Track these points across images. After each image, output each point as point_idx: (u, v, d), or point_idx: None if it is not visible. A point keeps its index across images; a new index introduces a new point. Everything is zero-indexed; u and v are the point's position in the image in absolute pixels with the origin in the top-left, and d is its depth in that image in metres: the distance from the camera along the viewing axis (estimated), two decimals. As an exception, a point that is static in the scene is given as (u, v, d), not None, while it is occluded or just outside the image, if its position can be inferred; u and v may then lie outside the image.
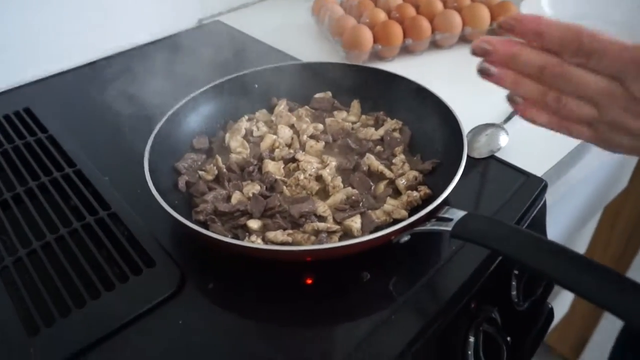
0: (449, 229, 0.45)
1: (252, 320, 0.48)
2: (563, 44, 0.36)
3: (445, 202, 0.49)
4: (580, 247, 1.24)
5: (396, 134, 0.65)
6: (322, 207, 0.54)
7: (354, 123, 0.69)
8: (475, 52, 0.40)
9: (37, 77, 0.87)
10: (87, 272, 0.50)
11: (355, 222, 0.53)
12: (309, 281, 0.50)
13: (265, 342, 0.45)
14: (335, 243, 0.47)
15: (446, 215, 0.47)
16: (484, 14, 0.88)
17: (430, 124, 0.63)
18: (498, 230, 0.43)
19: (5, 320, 0.47)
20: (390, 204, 0.55)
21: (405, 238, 0.49)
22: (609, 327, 1.40)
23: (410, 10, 0.89)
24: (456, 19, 0.87)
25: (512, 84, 0.40)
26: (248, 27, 0.99)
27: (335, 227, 0.52)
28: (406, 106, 0.67)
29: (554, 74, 0.38)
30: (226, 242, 0.47)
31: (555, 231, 0.81)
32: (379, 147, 0.64)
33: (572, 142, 0.66)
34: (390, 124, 0.66)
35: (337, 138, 0.65)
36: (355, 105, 0.71)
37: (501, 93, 0.43)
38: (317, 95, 0.72)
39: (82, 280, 0.49)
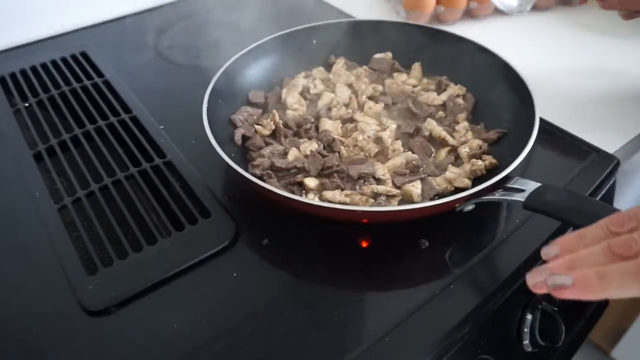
0: (522, 199, 0.43)
1: (306, 279, 0.47)
2: None
3: (513, 173, 0.46)
4: None
5: (459, 100, 0.62)
6: (382, 170, 0.53)
7: (414, 86, 0.66)
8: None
9: (94, 22, 0.86)
10: (143, 218, 0.50)
11: (416, 188, 0.51)
12: (365, 244, 0.49)
13: (319, 301, 0.45)
14: (398, 207, 0.46)
15: (516, 186, 0.45)
16: (558, -22, 0.83)
17: (496, 91, 0.60)
18: (577, 203, 0.41)
19: (64, 257, 0.47)
20: (452, 171, 0.53)
21: (470, 207, 0.47)
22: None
23: (478, -28, 0.84)
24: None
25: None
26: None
27: (395, 191, 0.51)
28: (471, 71, 0.64)
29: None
30: (284, 197, 0.46)
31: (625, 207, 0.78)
32: (440, 113, 0.61)
33: (646, 121, 0.62)
34: (454, 89, 0.63)
35: (396, 101, 0.63)
36: (417, 67, 0.68)
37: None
38: (377, 56, 0.69)
39: (138, 225, 0.50)
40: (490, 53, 0.61)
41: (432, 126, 0.58)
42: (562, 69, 0.72)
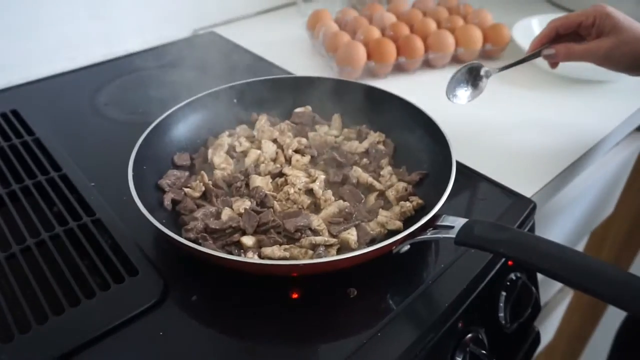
0: (453, 235, 0.45)
1: (235, 336, 0.47)
2: None
3: (440, 212, 0.49)
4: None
5: (380, 146, 0.65)
6: (317, 221, 0.54)
7: (336, 137, 0.69)
8: None
9: (27, 80, 0.86)
10: (67, 279, 0.49)
11: (352, 235, 0.52)
12: (295, 296, 0.49)
13: (249, 358, 0.44)
14: (342, 255, 0.46)
15: (446, 224, 0.47)
16: (477, 35, 0.89)
17: (413, 135, 0.64)
18: (504, 235, 0.43)
19: (-22, 325, 0.45)
20: (383, 215, 0.55)
21: (406, 248, 0.49)
22: (595, 353, 1.40)
23: (405, 29, 0.90)
24: (449, 39, 0.88)
25: None
26: (242, 40, 1.00)
27: (332, 240, 0.52)
28: (388, 119, 0.67)
29: None
30: (221, 258, 0.45)
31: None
32: (364, 160, 0.64)
33: (561, 165, 0.67)
34: (374, 136, 0.66)
35: (322, 152, 0.65)
36: (337, 119, 0.71)
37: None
38: (297, 110, 0.72)
39: (61, 286, 0.48)
40: (404, 101, 0.65)
41: (358, 173, 0.60)
42: (483, 119, 0.77)
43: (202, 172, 0.61)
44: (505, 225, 0.45)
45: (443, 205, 0.49)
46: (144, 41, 0.98)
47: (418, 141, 0.63)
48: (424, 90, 0.83)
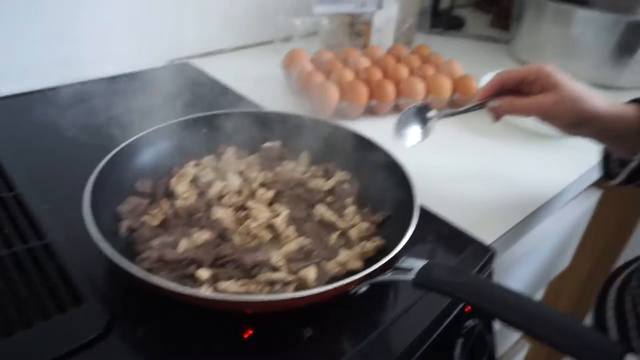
0: (411, 277, 0.45)
1: (182, 373, 0.45)
2: None
3: (401, 253, 0.48)
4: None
5: (346, 186, 0.65)
6: (277, 257, 0.53)
7: (303, 173, 0.69)
8: None
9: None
10: (3, 306, 0.46)
11: (311, 273, 0.51)
12: (246, 335, 0.48)
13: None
14: (298, 293, 0.45)
15: (405, 265, 0.47)
16: (446, 84, 0.92)
17: (378, 177, 0.64)
18: (461, 279, 0.43)
19: None
20: (344, 254, 0.55)
21: (364, 288, 0.48)
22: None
23: (377, 74, 0.92)
24: (420, 86, 0.90)
25: None
26: (218, 73, 1.00)
27: (290, 277, 0.51)
28: (355, 159, 0.68)
29: None
30: (174, 291, 0.43)
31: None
32: (329, 198, 0.64)
33: (519, 215, 0.68)
34: (340, 175, 0.67)
35: (286, 188, 0.64)
36: (305, 156, 0.71)
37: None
38: (266, 145, 0.72)
39: (-3, 314, 0.45)
40: (370, 142, 0.66)
41: (322, 211, 0.60)
42: (447, 164, 0.78)
43: (163, 200, 0.59)
44: (463, 270, 0.45)
45: (404, 247, 0.49)
46: (117, 67, 0.97)
47: (383, 182, 0.63)
48: (390, 133, 0.85)
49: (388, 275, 0.47)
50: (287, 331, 0.48)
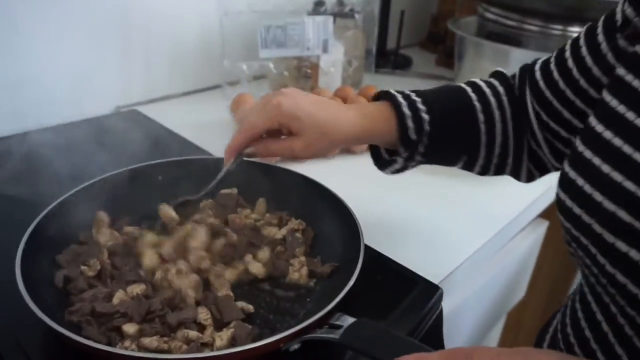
0: (337, 337, 0.43)
1: None
2: None
3: (338, 308, 0.47)
4: (488, 354, 1.25)
5: (298, 235, 0.64)
6: (205, 315, 0.51)
7: (257, 221, 0.68)
8: None
9: None
10: None
11: (224, 335, 0.49)
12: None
13: None
14: (224, 351, 0.44)
15: (337, 322, 0.46)
16: (392, 124, 0.94)
17: (332, 225, 0.63)
18: (388, 341, 0.42)
19: None
20: None
21: (296, 346, 0.46)
22: None
23: (324, 116, 0.93)
24: (366, 127, 0.92)
25: None
26: (165, 119, 0.99)
27: (208, 338, 0.48)
28: (310, 206, 0.67)
29: None
30: (98, 349, 0.42)
31: (456, 338, 0.82)
32: (279, 247, 0.62)
33: (468, 249, 0.69)
34: (294, 223, 0.66)
35: (240, 234, 0.63)
36: (261, 203, 0.70)
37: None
38: (223, 191, 0.71)
39: None
40: (324, 188, 0.66)
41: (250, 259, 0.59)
42: (396, 203, 0.79)
43: (104, 249, 0.57)
44: (393, 332, 0.44)
45: (344, 297, 0.48)
46: (59, 115, 0.95)
47: (336, 231, 0.63)
48: (342, 174, 0.85)
49: (317, 333, 0.45)
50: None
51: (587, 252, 0.43)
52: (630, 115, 0.40)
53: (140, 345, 0.47)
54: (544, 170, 0.63)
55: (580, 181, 0.43)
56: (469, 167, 0.61)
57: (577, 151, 0.45)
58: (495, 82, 0.61)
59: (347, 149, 0.93)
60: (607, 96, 0.44)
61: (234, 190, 0.71)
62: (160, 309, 0.49)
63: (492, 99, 0.59)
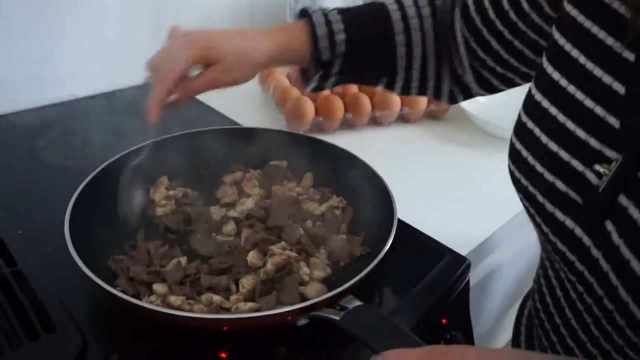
0: (337, 318, 0.44)
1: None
2: None
3: (354, 287, 0.47)
4: (508, 330, 1.26)
5: (337, 212, 0.64)
6: (246, 280, 0.52)
7: (299, 195, 0.68)
8: None
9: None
10: (-25, 335, 0.45)
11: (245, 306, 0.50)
12: (224, 355, 0.47)
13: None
14: (222, 315, 0.46)
15: (345, 304, 0.46)
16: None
17: (371, 207, 0.63)
18: (385, 331, 0.42)
19: None
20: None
21: (304, 321, 0.46)
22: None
23: (352, 87, 0.93)
24: (395, 98, 0.91)
25: None
26: (195, 90, 1.00)
27: (230, 304, 0.50)
28: (351, 185, 0.66)
29: None
30: (120, 298, 0.44)
31: (482, 311, 0.82)
32: (318, 223, 0.62)
33: (496, 223, 0.69)
34: (335, 200, 0.66)
35: (280, 207, 0.63)
36: (308, 177, 0.70)
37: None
38: (272, 163, 0.72)
39: (-33, 344, 0.45)
40: (372, 172, 0.64)
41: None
42: (425, 176, 0.79)
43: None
44: (394, 323, 0.43)
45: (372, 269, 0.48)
46: (93, 87, 0.97)
47: (372, 210, 0.62)
48: (369, 146, 0.86)
49: (323, 312, 0.45)
50: (263, 350, 0.48)
51: (536, 223, 0.43)
52: (563, 82, 0.40)
53: (165, 302, 0.49)
54: (468, 95, 0.62)
55: (524, 152, 0.43)
56: (389, 87, 0.61)
57: (520, 121, 0.45)
58: (423, 2, 0.58)
59: (374, 121, 0.93)
60: (545, 62, 0.43)
61: (284, 163, 0.72)
62: (195, 273, 0.51)
63: (415, 21, 0.57)
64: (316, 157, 0.71)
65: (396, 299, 0.56)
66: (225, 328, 0.47)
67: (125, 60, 1.01)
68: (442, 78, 0.59)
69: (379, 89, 0.93)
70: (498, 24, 0.53)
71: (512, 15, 0.51)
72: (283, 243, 0.56)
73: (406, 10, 0.57)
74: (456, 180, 0.79)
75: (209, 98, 0.96)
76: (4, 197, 0.64)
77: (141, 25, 1.00)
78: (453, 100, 0.62)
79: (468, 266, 0.60)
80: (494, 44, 0.54)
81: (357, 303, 0.45)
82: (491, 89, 0.59)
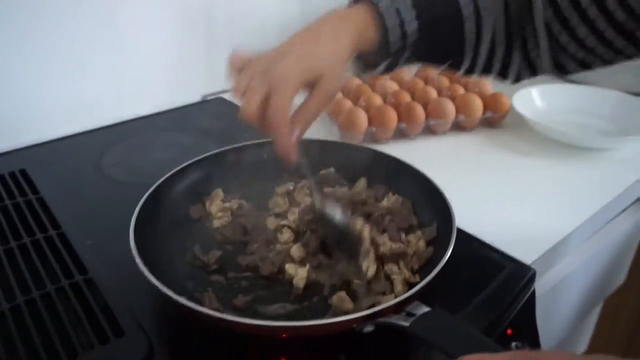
0: (407, 324, 0.43)
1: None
2: None
3: (419, 295, 0.46)
4: (583, 341, 1.19)
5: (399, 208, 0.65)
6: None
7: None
8: None
9: (38, 141, 0.89)
10: (51, 338, 0.48)
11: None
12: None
13: None
14: (286, 322, 0.46)
15: (412, 310, 0.45)
16: (477, 103, 0.91)
17: (429, 216, 0.63)
18: (459, 335, 0.41)
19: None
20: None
21: (370, 328, 0.45)
22: None
23: (406, 96, 0.92)
24: (449, 106, 0.90)
25: None
26: (249, 105, 1.03)
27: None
28: (408, 195, 0.66)
29: None
30: (182, 305, 0.45)
31: (551, 322, 0.78)
32: (387, 218, 0.62)
33: (562, 231, 0.66)
34: (393, 198, 0.66)
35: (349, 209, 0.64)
36: (362, 181, 0.71)
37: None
38: (322, 172, 0.72)
39: (45, 346, 0.47)
40: (415, 170, 0.65)
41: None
42: (483, 185, 0.77)
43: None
44: (468, 326, 0.43)
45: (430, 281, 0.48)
46: (154, 106, 1.02)
47: (429, 215, 0.62)
48: (424, 155, 0.84)
49: (392, 319, 0.45)
50: (323, 358, 0.48)
51: None
52: None
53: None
54: (534, 75, 0.59)
55: None
56: (453, 68, 0.59)
57: None
58: None
59: (429, 130, 0.92)
60: None
61: (331, 169, 0.72)
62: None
63: (484, 3, 0.54)
64: (369, 167, 0.71)
65: (458, 310, 0.54)
66: (284, 335, 0.48)
67: (183, 77, 1.06)
68: (511, 60, 0.57)
69: (433, 95, 0.93)
70: (592, 11, 0.49)
71: (609, 3, 0.48)
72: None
73: None
74: (517, 189, 0.76)
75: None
76: (75, 211, 0.68)
77: (196, 45, 1.05)
78: (517, 80, 0.60)
79: (533, 275, 0.58)
80: (581, 31, 0.51)
81: (426, 309, 0.44)
82: (564, 72, 0.57)
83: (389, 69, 0.58)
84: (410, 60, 0.58)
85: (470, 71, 0.59)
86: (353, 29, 0.52)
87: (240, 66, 0.51)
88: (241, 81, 0.49)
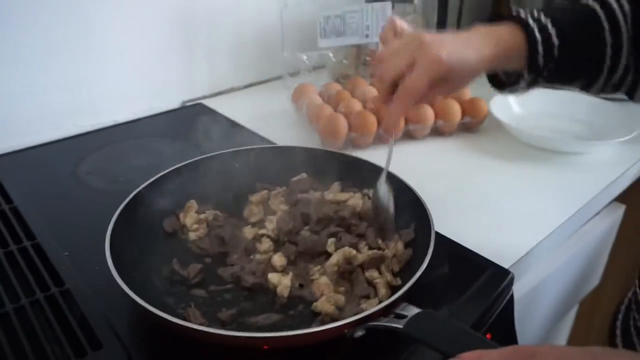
0: (401, 326, 0.43)
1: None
2: None
3: (404, 297, 0.47)
4: (559, 344, 1.21)
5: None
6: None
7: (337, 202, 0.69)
8: None
9: (11, 149, 0.87)
10: (26, 353, 0.47)
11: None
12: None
13: None
14: (281, 333, 0.46)
15: (402, 312, 0.45)
16: (455, 108, 0.92)
17: (407, 220, 0.63)
18: (452, 333, 0.42)
19: None
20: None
21: (360, 333, 0.46)
22: None
23: (385, 102, 0.93)
24: (428, 112, 0.91)
25: None
26: (229, 111, 1.02)
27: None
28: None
29: None
30: (158, 316, 0.44)
31: (528, 326, 0.80)
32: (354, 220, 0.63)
33: (540, 235, 0.67)
34: (367, 204, 0.66)
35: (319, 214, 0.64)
36: (336, 186, 0.71)
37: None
38: (294, 179, 0.72)
39: (19, 362, 0.46)
40: (403, 184, 0.65)
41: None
42: (463, 189, 0.78)
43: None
44: (459, 324, 0.43)
45: (412, 286, 0.48)
46: (132, 112, 1.00)
47: (407, 218, 0.63)
48: (404, 160, 0.84)
49: (382, 322, 0.45)
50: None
51: None
52: None
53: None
54: None
55: None
56: (584, 89, 0.58)
57: None
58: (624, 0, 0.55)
59: (408, 135, 0.93)
60: None
61: (304, 175, 0.72)
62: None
63: (620, 18, 0.53)
64: (344, 172, 0.72)
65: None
66: (266, 347, 0.47)
67: (162, 83, 1.05)
68: None
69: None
70: None
71: None
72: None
73: (611, 6, 0.53)
74: (494, 193, 0.77)
75: (243, 118, 0.99)
76: (51, 221, 0.67)
77: (174, 50, 1.04)
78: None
79: (512, 279, 0.58)
80: None
81: (416, 310, 0.45)
82: None
83: (528, 87, 0.58)
84: (548, 80, 0.57)
85: (602, 90, 0.57)
86: (500, 41, 0.54)
87: (392, 36, 0.56)
88: (392, 47, 0.54)
